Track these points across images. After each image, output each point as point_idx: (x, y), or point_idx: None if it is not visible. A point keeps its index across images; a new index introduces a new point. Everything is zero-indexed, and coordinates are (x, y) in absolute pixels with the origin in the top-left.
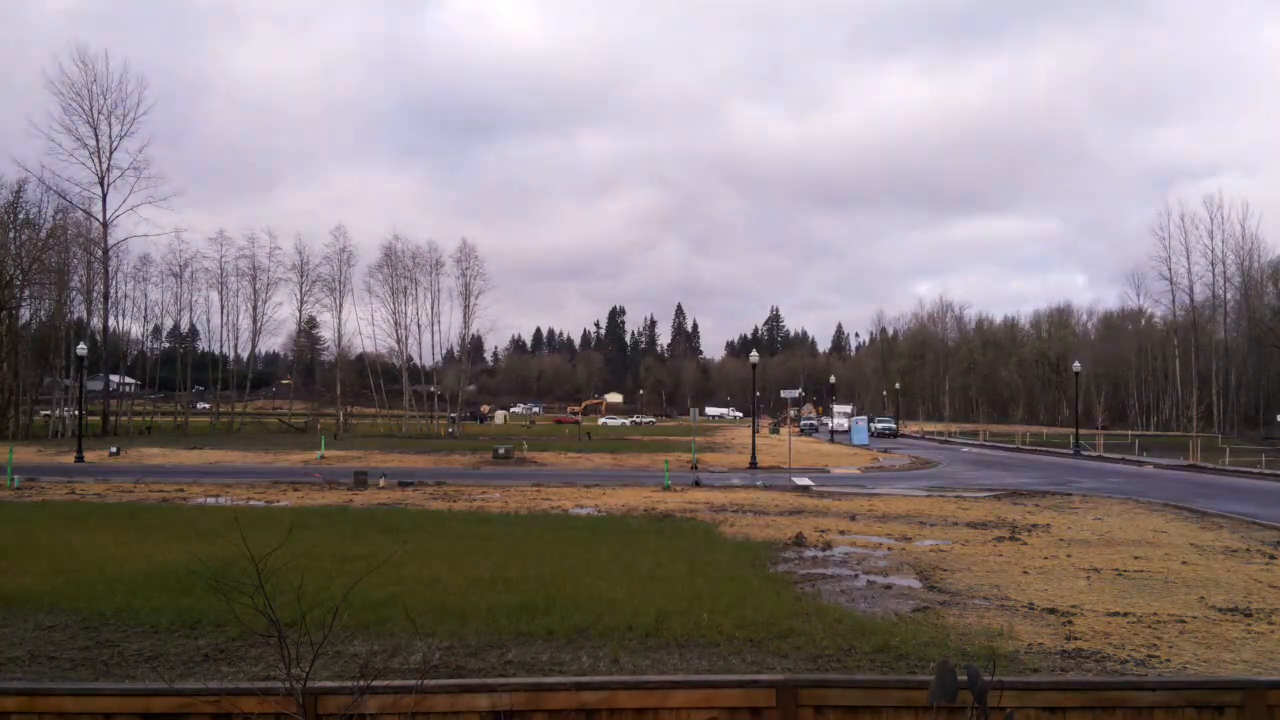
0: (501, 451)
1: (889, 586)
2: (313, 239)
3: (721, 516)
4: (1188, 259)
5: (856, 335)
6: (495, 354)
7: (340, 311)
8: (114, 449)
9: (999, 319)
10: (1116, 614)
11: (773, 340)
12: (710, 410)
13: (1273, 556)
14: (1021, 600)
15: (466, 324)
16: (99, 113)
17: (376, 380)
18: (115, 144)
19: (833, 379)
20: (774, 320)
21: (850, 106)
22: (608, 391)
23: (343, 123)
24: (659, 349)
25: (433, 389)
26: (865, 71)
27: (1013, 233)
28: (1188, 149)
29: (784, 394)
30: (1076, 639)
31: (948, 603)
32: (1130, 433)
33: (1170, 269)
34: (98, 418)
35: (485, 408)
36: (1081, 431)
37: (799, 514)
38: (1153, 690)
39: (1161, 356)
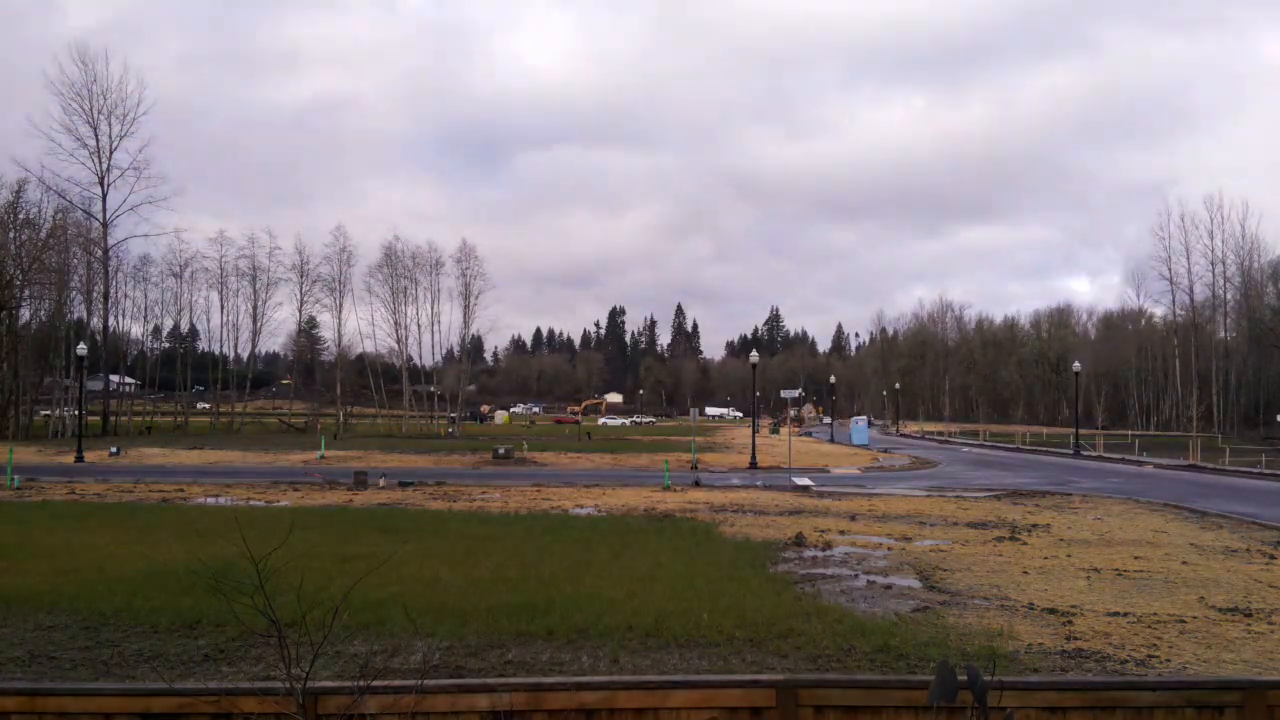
0: (501, 451)
1: (889, 586)
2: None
3: (721, 516)
4: (1188, 259)
5: (856, 335)
6: (495, 354)
7: (340, 311)
8: (114, 449)
9: (999, 319)
10: (1116, 614)
11: (773, 340)
12: (710, 410)
13: (1273, 556)
14: (1021, 600)
15: (466, 324)
16: (99, 113)
17: (376, 380)
18: (115, 144)
19: (833, 379)
20: (774, 320)
21: (851, 130)
22: (608, 391)
23: (383, 146)
24: (659, 349)
25: (433, 389)
26: (864, 99)
27: (1013, 238)
28: (1171, 165)
29: (784, 394)
30: (1076, 639)
31: (948, 603)
32: (1130, 433)
33: (1170, 269)
34: (98, 418)
35: (485, 408)
36: (1081, 431)
37: (799, 514)
38: (1153, 690)
39: (1161, 356)
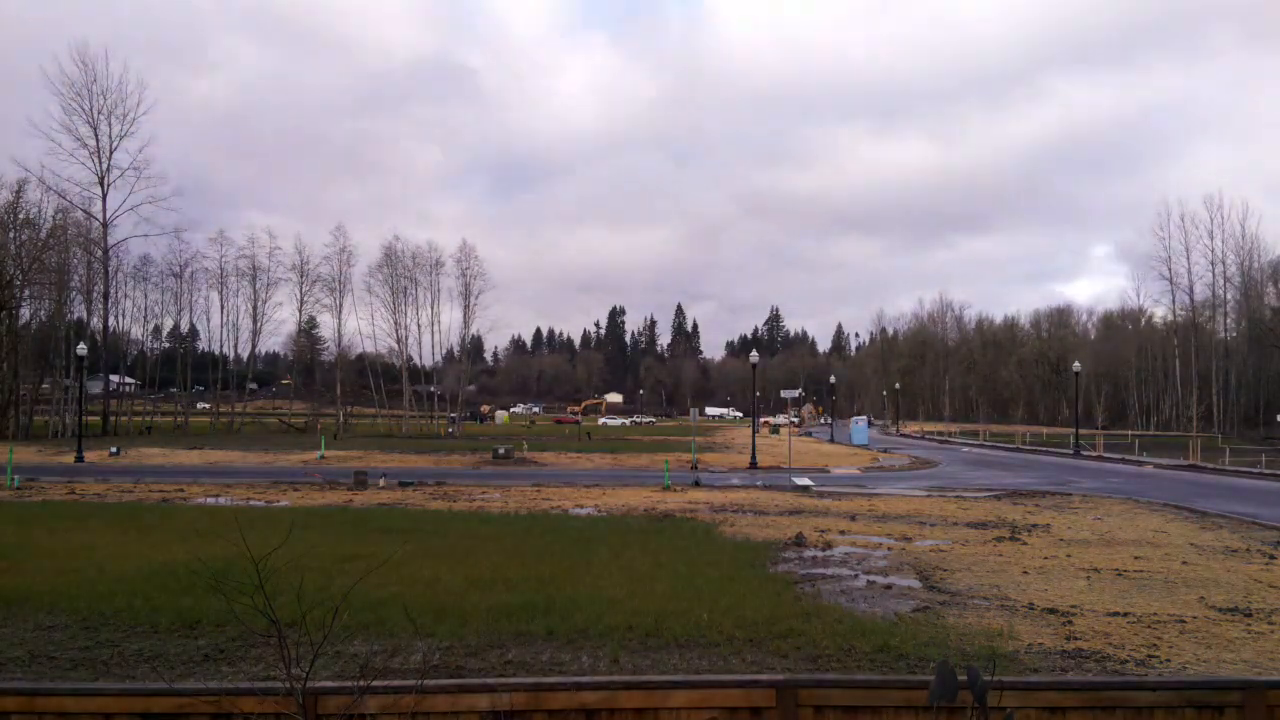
0: (501, 451)
1: (889, 586)
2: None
3: (721, 516)
4: (1188, 259)
5: (856, 335)
6: (495, 354)
7: (340, 311)
8: (114, 449)
9: (999, 319)
10: (1116, 614)
11: (773, 340)
12: (710, 410)
13: (1273, 556)
14: (1021, 600)
15: (466, 324)
16: (99, 113)
17: (376, 380)
18: (115, 144)
19: (833, 379)
20: (774, 320)
21: (852, 162)
22: (608, 392)
23: (427, 173)
24: (659, 349)
25: (433, 389)
26: (865, 136)
27: (1013, 243)
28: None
29: (784, 394)
30: (1076, 639)
31: (948, 603)
32: (1130, 433)
33: (1170, 269)
34: (98, 418)
35: (485, 408)
36: (1081, 431)
37: (799, 514)
38: (1153, 690)
39: (1161, 356)
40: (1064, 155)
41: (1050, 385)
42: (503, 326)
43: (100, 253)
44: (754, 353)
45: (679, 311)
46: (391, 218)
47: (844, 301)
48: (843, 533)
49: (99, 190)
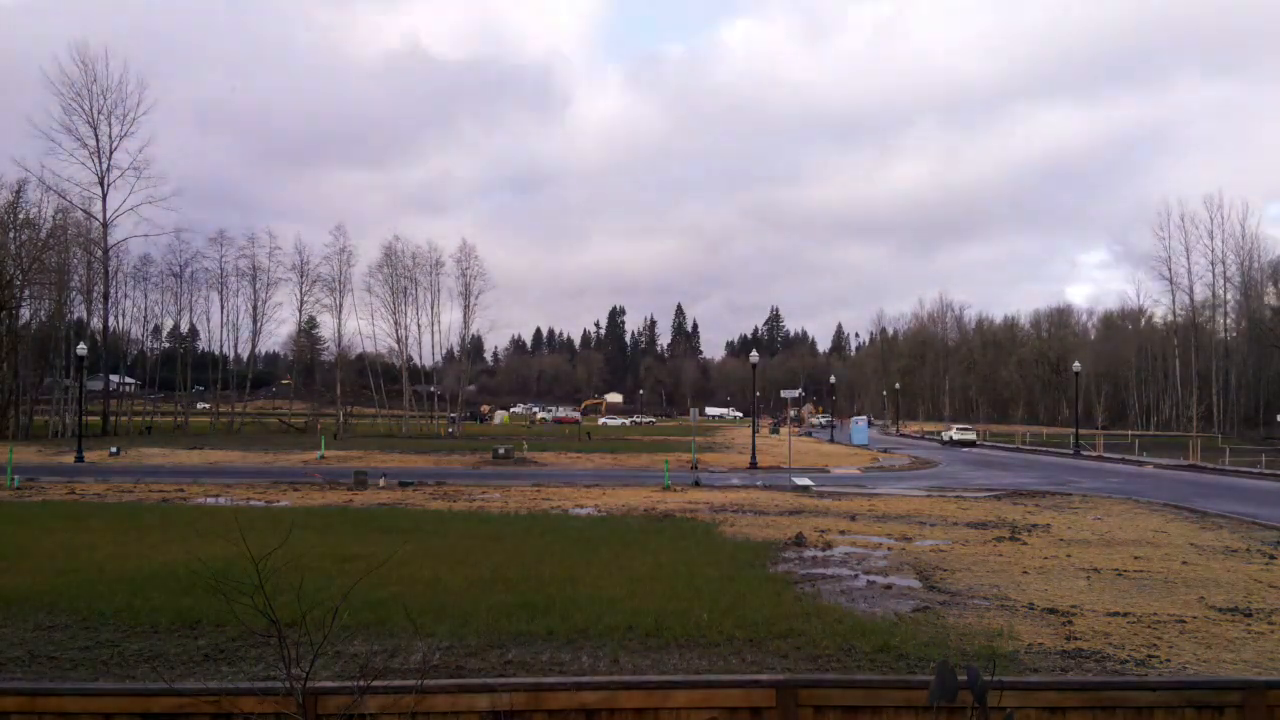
0: (501, 451)
1: (889, 586)
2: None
3: (721, 516)
4: (1188, 259)
5: (856, 335)
6: (495, 354)
7: (340, 311)
8: (114, 449)
9: (999, 319)
10: (1116, 614)
11: (773, 340)
12: (710, 410)
13: (1273, 556)
14: (1021, 600)
15: (466, 324)
16: (99, 113)
17: (376, 380)
18: (115, 144)
19: (833, 379)
20: (774, 320)
21: (852, 179)
22: (608, 391)
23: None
24: (659, 349)
25: (433, 389)
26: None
27: (1013, 247)
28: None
29: (784, 394)
30: (1076, 639)
31: (948, 603)
32: (1130, 433)
33: (1170, 269)
34: (98, 418)
35: (485, 408)
36: (1081, 431)
37: (799, 514)
38: (1153, 690)
39: (1161, 356)
40: (1061, 168)
41: (1050, 385)
42: (503, 326)
43: (100, 253)
44: (754, 353)
45: (679, 311)
46: (395, 218)
47: (844, 302)
48: (843, 533)
49: (99, 190)
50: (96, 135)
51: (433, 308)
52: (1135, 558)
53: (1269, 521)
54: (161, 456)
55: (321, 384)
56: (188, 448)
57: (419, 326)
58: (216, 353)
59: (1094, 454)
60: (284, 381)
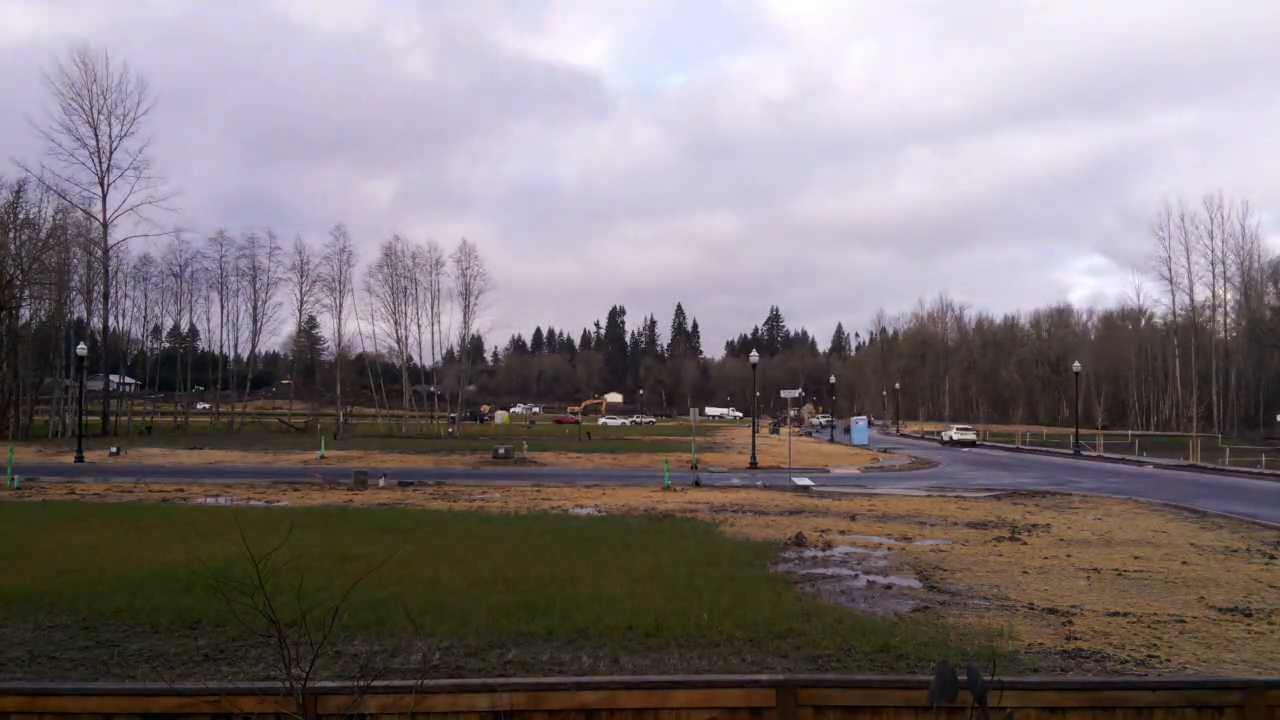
0: (501, 451)
1: (889, 586)
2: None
3: (721, 516)
4: (1188, 259)
5: (856, 335)
6: (495, 354)
7: (340, 311)
8: (114, 449)
9: (999, 319)
10: (1116, 614)
11: (773, 340)
12: (710, 410)
13: (1273, 556)
14: (1021, 600)
15: (466, 324)
16: (99, 113)
17: (376, 380)
18: (115, 144)
19: (833, 379)
20: (774, 320)
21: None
22: (608, 391)
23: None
24: (659, 349)
25: (433, 389)
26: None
27: (1013, 250)
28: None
29: (784, 394)
30: (1076, 639)
31: (948, 603)
32: (1130, 433)
33: (1170, 269)
34: (98, 418)
35: (485, 408)
36: (1081, 431)
37: (799, 514)
38: (1153, 690)
39: (1161, 356)
40: (1059, 180)
41: (1050, 385)
42: (503, 326)
43: (100, 253)
44: (754, 353)
45: (679, 311)
46: (399, 219)
47: (844, 302)
48: (843, 533)
49: (99, 190)
50: (96, 135)
51: (433, 308)
52: (1135, 558)
53: (1269, 521)
54: (161, 456)
55: (321, 384)
56: (188, 448)
57: (419, 326)
58: (216, 353)
59: (1094, 454)
60: (284, 381)
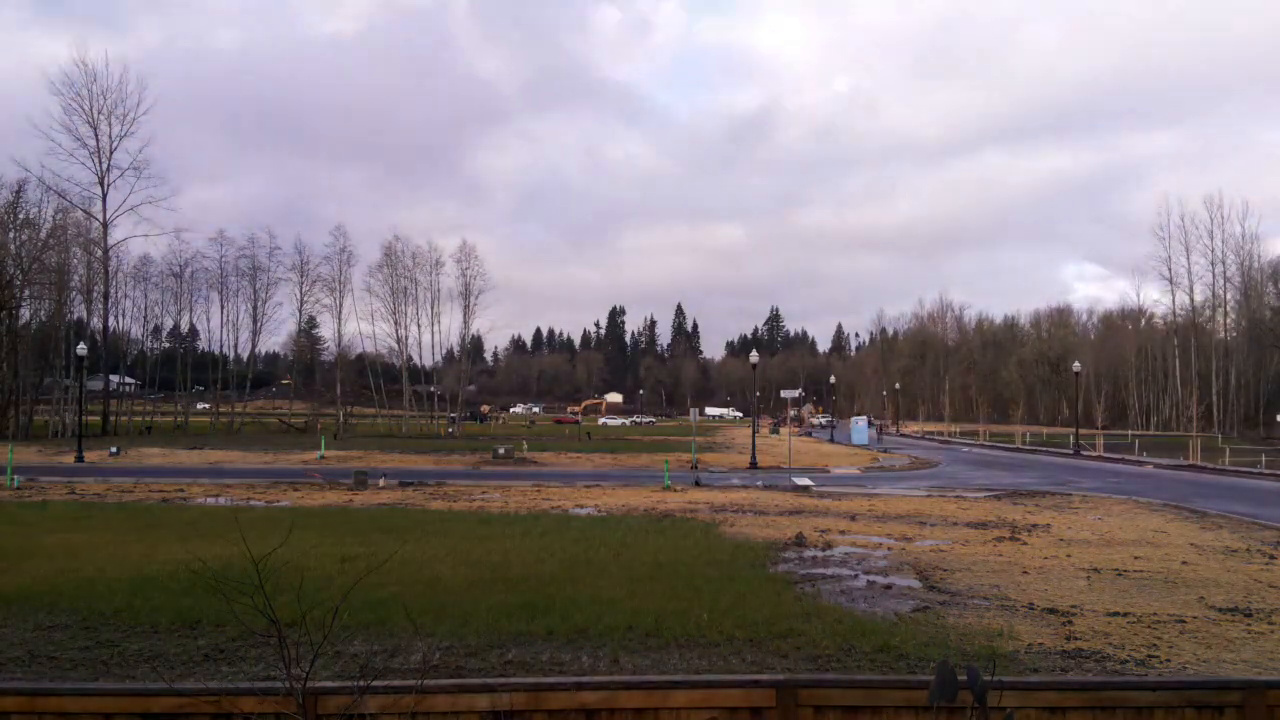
0: (501, 451)
1: (889, 586)
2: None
3: (722, 516)
4: (1188, 259)
5: (856, 335)
6: (495, 354)
7: (340, 311)
8: (114, 449)
9: (999, 319)
10: (1116, 614)
11: (773, 340)
12: (710, 410)
13: (1273, 556)
14: (1021, 600)
15: (466, 324)
16: (99, 113)
17: (376, 380)
18: (115, 144)
19: (833, 379)
20: (774, 320)
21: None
22: (608, 391)
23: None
24: (659, 349)
25: (433, 389)
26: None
27: (1013, 253)
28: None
29: (784, 394)
30: (1076, 639)
31: (948, 603)
32: (1130, 433)
33: (1170, 269)
34: (98, 418)
35: (485, 408)
36: (1081, 431)
37: (799, 514)
38: (1153, 690)
39: (1161, 356)
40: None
41: (1050, 385)
42: (503, 326)
43: (100, 253)
44: (754, 353)
45: (679, 311)
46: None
47: (844, 302)
48: (843, 533)
49: (99, 190)
50: (96, 135)
51: (433, 308)
52: (1135, 558)
53: (1269, 521)
54: (161, 456)
55: (321, 384)
56: (188, 448)
57: (419, 327)
58: (216, 353)
59: (1094, 454)
60: (284, 381)
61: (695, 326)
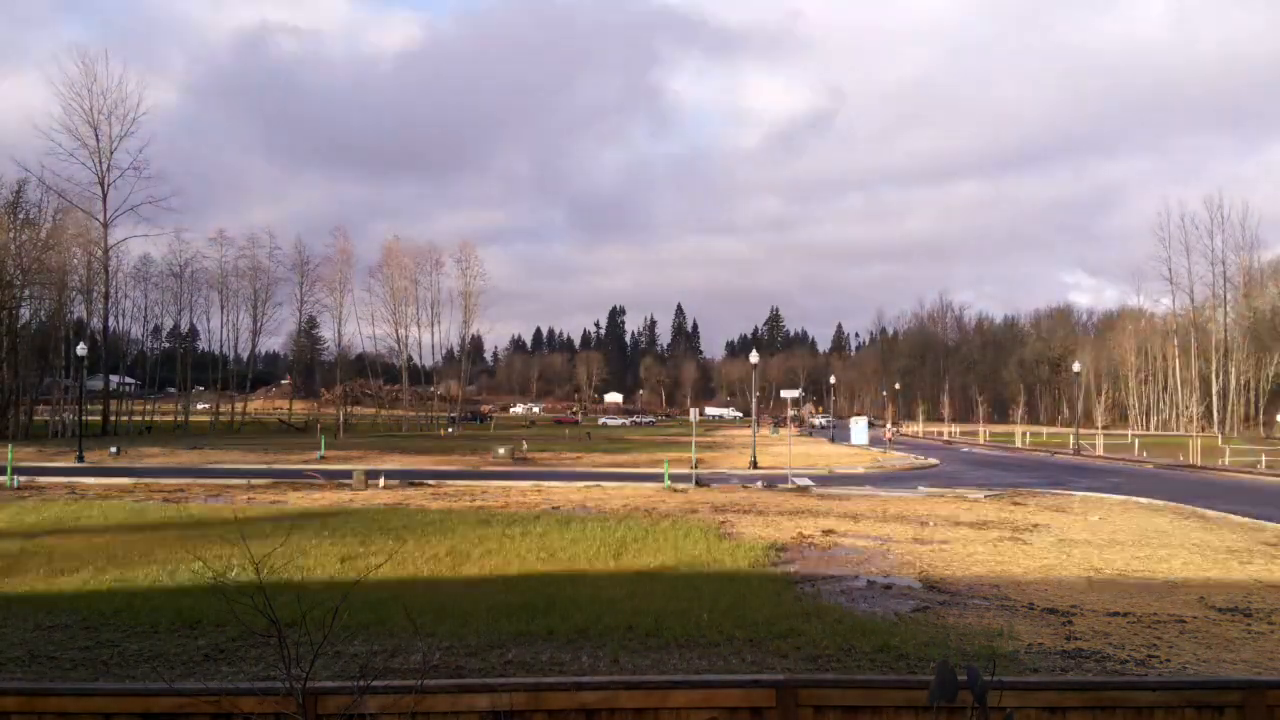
0: (501, 451)
1: (889, 586)
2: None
3: (722, 516)
4: (1188, 259)
5: (856, 335)
6: (495, 354)
7: (340, 311)
8: (114, 449)
9: (999, 318)
10: (1116, 614)
11: (773, 340)
12: (710, 410)
13: (1273, 557)
14: (1021, 600)
15: (466, 324)
16: (99, 113)
17: (376, 380)
18: (115, 144)
19: (833, 379)
20: (774, 320)
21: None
22: (608, 391)
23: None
24: (659, 349)
25: (432, 389)
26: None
27: (1013, 254)
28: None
29: (784, 394)
30: (1076, 639)
31: (948, 603)
32: (1130, 433)
33: (1170, 269)
34: (98, 418)
35: (486, 408)
36: (1081, 431)
37: (799, 514)
38: (1153, 690)
39: (1161, 356)
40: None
41: (1050, 385)
42: (503, 326)
43: (100, 253)
44: (754, 353)
45: (679, 311)
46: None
47: (844, 302)
48: (843, 533)
49: (99, 190)
50: (96, 135)
51: (433, 308)
52: (1135, 558)
53: (1269, 521)
54: (161, 456)
55: (321, 384)
56: (188, 447)
57: (419, 327)
58: (216, 352)
59: (1094, 454)
60: (284, 381)
61: (695, 326)
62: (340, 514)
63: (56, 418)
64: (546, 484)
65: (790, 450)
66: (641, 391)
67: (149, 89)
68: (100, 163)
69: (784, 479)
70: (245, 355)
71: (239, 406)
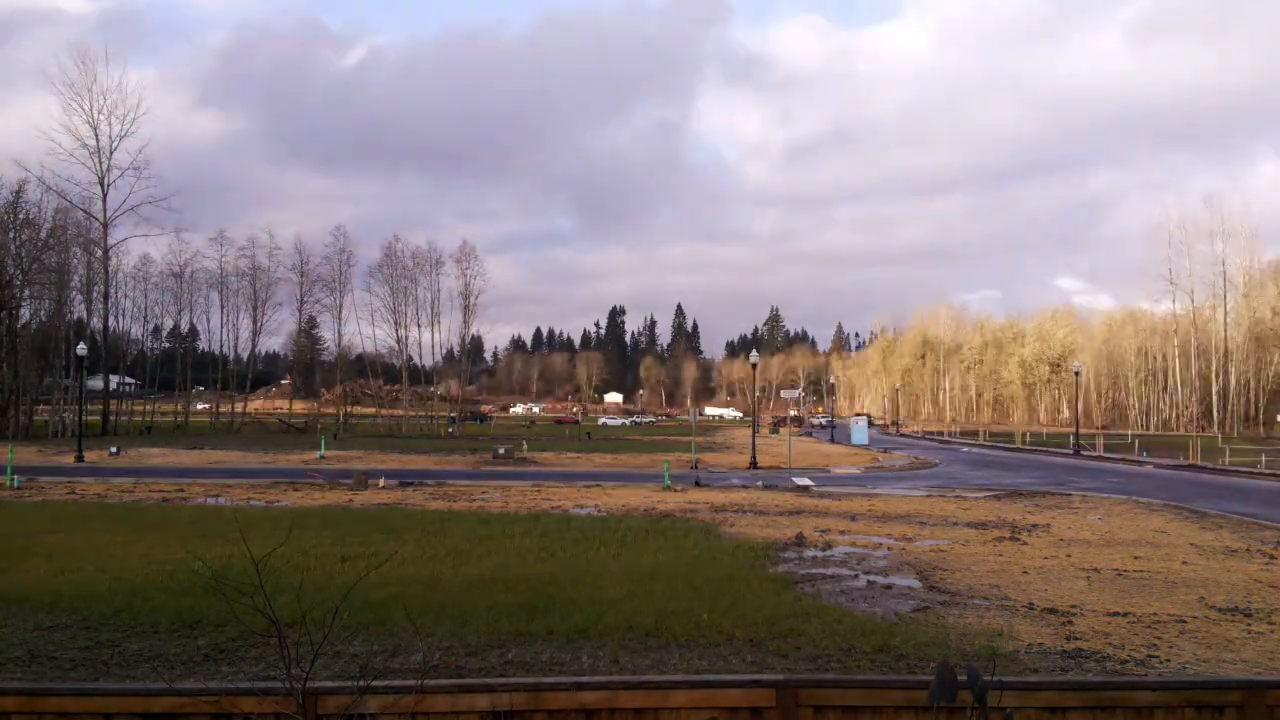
0: (501, 451)
1: (889, 586)
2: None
3: (722, 516)
4: (1188, 259)
5: (857, 335)
6: (495, 354)
7: (340, 311)
8: (114, 449)
9: (999, 318)
10: (1116, 614)
11: (773, 340)
12: (710, 410)
13: (1273, 556)
14: (1021, 600)
15: (466, 324)
16: (99, 113)
17: (376, 380)
18: (115, 144)
19: (833, 379)
20: (774, 320)
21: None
22: (608, 391)
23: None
24: (659, 349)
25: (433, 389)
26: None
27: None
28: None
29: (784, 394)
30: (1076, 639)
31: (948, 603)
32: (1130, 433)
33: (1170, 269)
34: (98, 418)
35: (486, 408)
36: (1081, 431)
37: (799, 514)
38: (1153, 690)
39: (1161, 356)
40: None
41: (1050, 385)
42: (504, 326)
43: (100, 253)
44: (754, 352)
45: (679, 311)
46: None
47: (845, 303)
48: (843, 533)
49: (99, 190)
50: (96, 135)
51: (432, 308)
52: (1135, 558)
53: (1269, 521)
54: (161, 456)
55: (321, 384)
56: (188, 447)
57: (419, 327)
58: (216, 352)
59: (1094, 454)
60: (284, 381)
61: (695, 326)
62: (340, 514)
63: (56, 418)
64: (546, 484)
65: (790, 450)
66: (641, 391)
67: (151, 89)
68: (100, 163)
69: (784, 479)
70: (245, 355)
71: (239, 407)
